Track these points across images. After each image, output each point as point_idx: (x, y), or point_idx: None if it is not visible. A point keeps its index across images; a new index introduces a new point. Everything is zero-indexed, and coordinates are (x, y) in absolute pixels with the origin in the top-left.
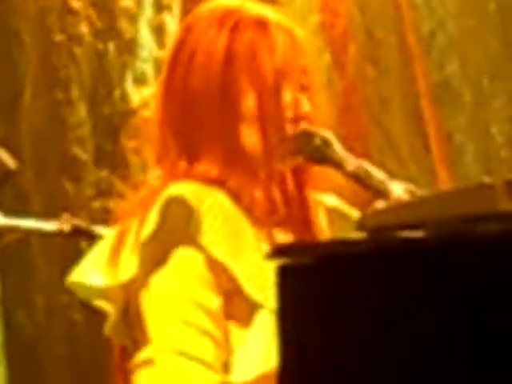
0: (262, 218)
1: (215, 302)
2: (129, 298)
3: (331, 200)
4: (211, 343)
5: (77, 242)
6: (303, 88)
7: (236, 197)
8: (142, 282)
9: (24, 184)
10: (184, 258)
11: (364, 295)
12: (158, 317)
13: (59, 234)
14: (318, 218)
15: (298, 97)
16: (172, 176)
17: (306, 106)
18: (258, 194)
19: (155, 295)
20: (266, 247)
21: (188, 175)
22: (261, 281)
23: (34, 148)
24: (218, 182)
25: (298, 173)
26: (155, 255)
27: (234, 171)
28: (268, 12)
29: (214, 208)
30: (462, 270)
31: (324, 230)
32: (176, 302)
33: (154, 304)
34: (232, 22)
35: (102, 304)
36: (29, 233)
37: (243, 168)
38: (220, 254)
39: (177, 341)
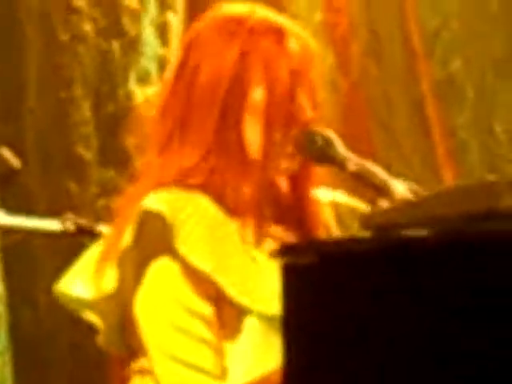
0: (250, 219)
1: (208, 309)
2: (121, 308)
3: (339, 196)
4: (209, 350)
5: (81, 241)
6: (313, 103)
7: (220, 196)
8: (129, 293)
9: (28, 183)
10: (162, 268)
11: (369, 294)
12: (151, 327)
13: (63, 233)
14: (319, 215)
15: (308, 103)
16: (158, 170)
17: (311, 113)
18: (247, 192)
19: (146, 306)
20: (253, 249)
21: (173, 170)
22: (248, 285)
23: (38, 147)
24: (202, 180)
25: (297, 179)
26: (134, 267)
27: (224, 160)
28: (282, 20)
29: (195, 215)
30: (466, 267)
31: (330, 226)
32: (167, 310)
33: (147, 315)
34: (247, 27)
35: (88, 315)
36: (33, 232)
37: (237, 159)
38: (200, 262)
39: (174, 349)
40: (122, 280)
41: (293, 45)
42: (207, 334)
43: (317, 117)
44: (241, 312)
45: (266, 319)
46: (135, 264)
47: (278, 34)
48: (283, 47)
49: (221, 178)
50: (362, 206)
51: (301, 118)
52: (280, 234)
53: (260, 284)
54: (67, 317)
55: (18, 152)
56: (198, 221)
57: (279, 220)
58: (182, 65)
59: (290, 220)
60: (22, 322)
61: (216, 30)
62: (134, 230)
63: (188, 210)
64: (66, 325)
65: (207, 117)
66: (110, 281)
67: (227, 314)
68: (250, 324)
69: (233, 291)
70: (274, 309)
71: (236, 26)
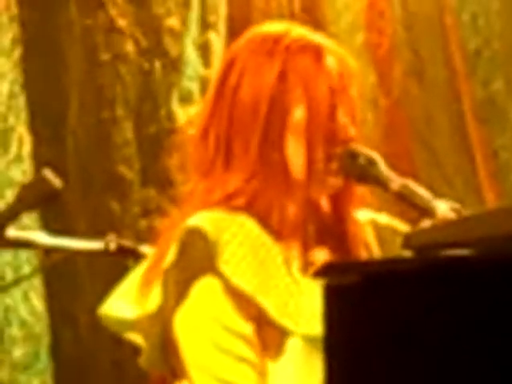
0: (294, 240)
1: (249, 328)
2: (163, 327)
3: (382, 218)
4: (250, 370)
5: (122, 262)
6: (353, 118)
7: (265, 218)
8: (170, 312)
9: (70, 204)
10: (206, 286)
11: (411, 314)
12: (191, 346)
13: (105, 253)
14: (360, 235)
15: (349, 121)
16: (203, 193)
17: (353, 132)
18: (291, 213)
19: (186, 325)
20: (296, 270)
21: (218, 193)
22: (290, 307)
23: (80, 167)
24: (246, 203)
25: (339, 199)
26: (177, 285)
27: (269, 182)
28: (320, 38)
29: (239, 236)
30: (509, 288)
31: (371, 247)
32: (210, 330)
33: (187, 334)
34: (284, 44)
35: (132, 337)
36: (75, 252)
37: (281, 180)
38: (243, 282)
39: (216, 370)
40: (165, 299)
41: (331, 62)
42: (248, 352)
43: (357, 135)
44: (283, 333)
45: (309, 340)
46: (178, 282)
47: (316, 51)
48: (321, 65)
49: (265, 199)
50: (404, 227)
51: (342, 137)
52: (322, 254)
53: (302, 306)
54: (108, 337)
55: (61, 173)
56: (241, 241)
57: (321, 240)
58: (222, 85)
59: (331, 240)
60: (63, 342)
61: (254, 50)
62: (177, 248)
63: (232, 229)
64: (107, 345)
65: (250, 139)
66: (153, 300)
67: (270, 335)
68: (293, 345)
69: (274, 313)
70: (316, 330)
71: (273, 45)
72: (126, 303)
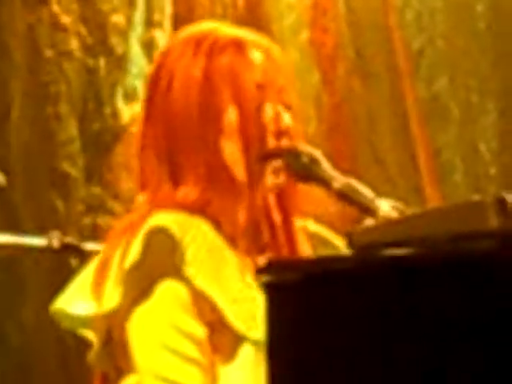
0: (246, 245)
1: (200, 330)
2: (111, 327)
3: (312, 225)
4: (198, 371)
5: (66, 259)
6: (285, 105)
7: (217, 224)
8: (126, 311)
9: (14, 200)
10: (168, 290)
11: (351, 312)
12: (143, 347)
13: (48, 250)
14: (303, 245)
15: (280, 111)
16: (157, 201)
17: (287, 121)
18: (242, 217)
19: (139, 325)
20: (250, 276)
21: (171, 202)
22: (244, 312)
23: (24, 164)
24: (200, 210)
25: (283, 198)
26: (139, 285)
27: (217, 190)
28: (243, 33)
29: (198, 239)
30: (450, 287)
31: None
32: (160, 331)
33: (139, 334)
34: (208, 44)
35: (85, 333)
36: (18, 249)
37: (227, 186)
38: (205, 285)
39: (163, 369)
40: (125, 297)
41: (255, 56)
42: (196, 354)
43: (296, 127)
44: (237, 338)
45: (261, 347)
46: (139, 282)
47: (239, 47)
48: (246, 60)
49: (215, 206)
50: (330, 235)
51: (275, 129)
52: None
53: (255, 311)
54: (53, 334)
55: (4, 168)
56: (200, 244)
57: (272, 248)
58: (153, 92)
59: (280, 248)
60: (7, 340)
61: (180, 52)
62: (140, 248)
63: (192, 232)
64: (51, 342)
65: (188, 146)
66: (111, 299)
67: (224, 339)
68: (245, 351)
69: (230, 316)
70: None
71: (196, 46)
72: (80, 300)
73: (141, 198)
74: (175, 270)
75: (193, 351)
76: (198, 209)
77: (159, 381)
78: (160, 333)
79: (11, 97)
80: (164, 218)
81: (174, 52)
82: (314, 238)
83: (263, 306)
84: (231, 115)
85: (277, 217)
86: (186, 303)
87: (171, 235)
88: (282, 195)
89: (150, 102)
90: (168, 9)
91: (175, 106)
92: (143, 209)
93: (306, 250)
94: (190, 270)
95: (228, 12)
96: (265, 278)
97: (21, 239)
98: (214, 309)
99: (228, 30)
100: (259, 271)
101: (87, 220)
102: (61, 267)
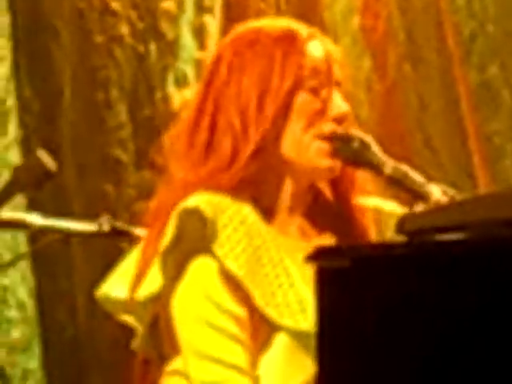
0: (300, 228)
1: (239, 309)
2: (156, 312)
3: (388, 205)
4: (240, 348)
5: (118, 244)
6: (341, 92)
7: (265, 209)
8: (167, 293)
9: (65, 186)
10: (202, 266)
11: (402, 298)
12: (184, 324)
13: (98, 234)
14: (365, 222)
15: (335, 97)
16: (195, 182)
17: (343, 107)
18: (286, 193)
19: (179, 303)
20: (297, 259)
21: (212, 183)
22: (278, 298)
23: (75, 149)
24: (245, 192)
25: (339, 180)
26: (174, 266)
27: (264, 170)
28: (296, 25)
29: (235, 220)
30: (503, 272)
31: (370, 235)
32: (199, 305)
33: (180, 312)
34: (263, 37)
35: (126, 318)
36: (68, 234)
37: (275, 166)
38: (235, 267)
39: (205, 346)
40: (165, 279)
41: (311, 45)
42: (239, 332)
43: (351, 116)
44: (271, 327)
45: (296, 336)
46: (175, 263)
47: (295, 39)
48: (301, 49)
49: (261, 185)
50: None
51: (331, 113)
52: (327, 242)
53: (290, 299)
54: (105, 318)
55: (55, 154)
56: (237, 226)
57: (326, 229)
58: (211, 79)
59: (337, 229)
60: (59, 323)
61: (239, 45)
62: (173, 230)
63: (229, 213)
64: (104, 326)
65: (243, 130)
66: (152, 283)
67: (258, 326)
68: (280, 339)
69: (261, 302)
70: (302, 325)
71: (260, 39)
72: (123, 285)
73: (178, 178)
74: (206, 248)
75: (236, 330)
76: (242, 191)
77: (203, 359)
78: (203, 310)
79: (62, 82)
80: (197, 199)
81: (232, 45)
82: (390, 217)
83: (311, 294)
84: (297, 98)
85: (337, 197)
86: (219, 280)
87: (202, 215)
88: (340, 182)
89: (206, 88)
90: None
91: (233, 90)
92: (177, 188)
93: (370, 228)
94: (221, 250)
95: None
96: (315, 264)
97: (71, 224)
98: (246, 292)
99: (286, 23)
100: (310, 257)
101: (138, 205)
102: (112, 252)
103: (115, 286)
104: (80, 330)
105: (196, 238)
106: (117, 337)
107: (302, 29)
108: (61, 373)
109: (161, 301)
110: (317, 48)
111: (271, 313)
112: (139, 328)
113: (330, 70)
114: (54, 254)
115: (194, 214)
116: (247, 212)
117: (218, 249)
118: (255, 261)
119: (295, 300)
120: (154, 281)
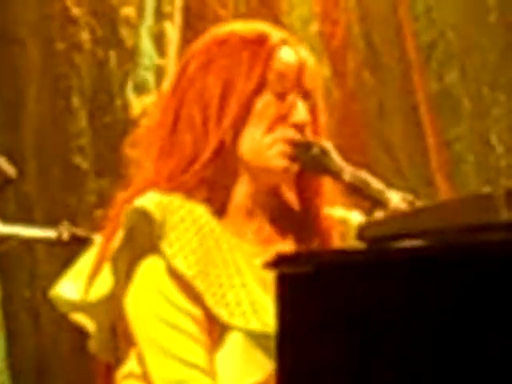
0: (261, 233)
1: (193, 308)
2: (114, 313)
3: (355, 216)
4: (197, 346)
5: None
6: (308, 101)
7: (217, 204)
8: (120, 293)
9: (26, 191)
10: (149, 266)
11: (362, 304)
12: (141, 322)
13: (58, 241)
14: (331, 232)
15: (299, 104)
16: (148, 182)
17: (304, 115)
18: (241, 193)
19: (133, 304)
20: (251, 263)
21: (165, 183)
22: (228, 298)
23: (37, 156)
24: (199, 192)
25: (302, 186)
26: (125, 267)
27: (221, 170)
28: (273, 30)
29: (187, 220)
30: (461, 279)
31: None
32: (154, 304)
33: (135, 310)
34: (233, 41)
35: (79, 318)
36: (28, 240)
37: (233, 166)
38: (183, 266)
39: (164, 342)
40: (115, 281)
41: (284, 52)
42: (196, 331)
43: (318, 126)
44: (224, 325)
45: (247, 334)
46: (126, 263)
47: (266, 42)
48: (272, 54)
49: (216, 185)
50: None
51: (292, 120)
52: (287, 248)
53: (241, 298)
54: (68, 323)
55: (17, 161)
56: (188, 226)
57: (290, 235)
58: (178, 78)
59: (301, 236)
60: (22, 330)
61: (212, 44)
62: (123, 232)
63: (180, 213)
64: (67, 331)
65: (204, 127)
66: (104, 284)
67: (211, 324)
68: (232, 338)
69: (211, 301)
70: (253, 325)
71: (222, 44)
72: (76, 285)
73: (138, 178)
74: (155, 249)
75: (192, 328)
76: (195, 186)
77: (164, 357)
78: (157, 307)
79: (25, 89)
80: (145, 200)
81: (204, 48)
82: (342, 224)
83: (273, 297)
84: (263, 101)
85: (303, 206)
86: (170, 278)
87: (149, 216)
88: (305, 189)
89: (174, 84)
90: (178, 1)
91: (197, 88)
92: (132, 189)
93: (333, 237)
94: (168, 250)
95: (240, 4)
96: (277, 270)
97: (31, 231)
98: (195, 291)
99: (257, 26)
100: (271, 263)
101: (98, 212)
102: (75, 258)
103: (68, 287)
104: (43, 337)
105: (144, 238)
106: (81, 343)
107: (275, 33)
108: (24, 379)
109: (114, 302)
110: (288, 54)
111: (221, 312)
112: (93, 329)
113: (300, 78)
114: (18, 261)
115: (142, 215)
116: (201, 212)
117: (166, 248)
118: (207, 261)
119: (247, 300)
120: (105, 282)
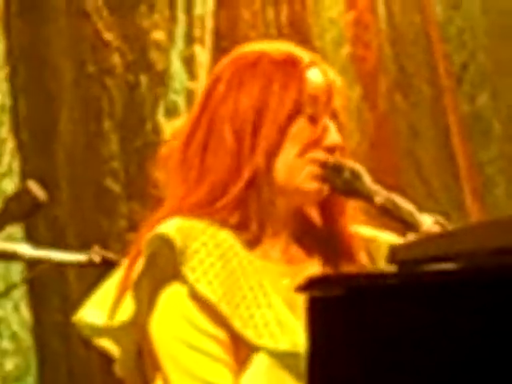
0: (274, 246)
1: (218, 331)
2: (137, 338)
3: (384, 236)
4: (225, 369)
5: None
6: (337, 123)
7: (242, 227)
8: (144, 319)
9: (59, 215)
10: (172, 294)
11: (393, 327)
12: (166, 347)
13: (89, 265)
14: (354, 250)
15: (330, 126)
16: (173, 209)
17: (336, 137)
18: (273, 217)
19: (158, 330)
20: (274, 282)
21: (189, 209)
22: (256, 319)
23: (70, 180)
24: (222, 219)
25: (328, 205)
26: (147, 293)
27: (251, 194)
28: (302, 52)
29: (209, 245)
30: (495, 302)
31: (365, 262)
32: (179, 330)
33: (160, 338)
34: (263, 63)
35: (103, 343)
36: (61, 264)
37: (263, 187)
38: (208, 291)
39: (190, 366)
40: (138, 307)
41: (314, 74)
42: (222, 353)
43: (343, 146)
44: (251, 348)
45: (276, 357)
46: (148, 289)
47: (297, 64)
48: (303, 76)
49: (248, 209)
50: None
51: (327, 143)
52: (314, 268)
53: (269, 319)
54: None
55: (49, 185)
56: (211, 251)
57: (315, 253)
58: (207, 99)
59: (326, 254)
60: (54, 355)
61: (239, 66)
62: (144, 258)
63: (202, 239)
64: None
65: (234, 149)
66: (126, 309)
67: (238, 346)
68: (259, 358)
69: (238, 323)
70: (282, 345)
71: (256, 61)
72: (100, 310)
73: (168, 204)
74: (177, 276)
75: (218, 350)
76: (221, 211)
77: (189, 378)
78: (182, 332)
79: (58, 112)
80: (168, 226)
81: (231, 66)
82: (369, 242)
83: (304, 320)
84: (294, 125)
85: (326, 224)
86: (193, 303)
87: (170, 242)
88: (329, 209)
89: (202, 108)
90: (209, 24)
91: (228, 110)
92: (159, 213)
93: (361, 256)
94: (191, 276)
95: (271, 27)
96: (308, 293)
97: (63, 255)
98: (220, 316)
99: (288, 47)
100: (302, 287)
101: (130, 236)
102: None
103: (92, 311)
104: (75, 361)
105: (165, 265)
106: (112, 366)
107: (303, 54)
108: None
109: (136, 327)
110: (317, 75)
111: (249, 334)
112: (117, 354)
113: (330, 100)
114: (50, 285)
115: (162, 241)
116: (224, 236)
117: (189, 273)
118: (231, 283)
119: (275, 321)
120: (127, 307)
